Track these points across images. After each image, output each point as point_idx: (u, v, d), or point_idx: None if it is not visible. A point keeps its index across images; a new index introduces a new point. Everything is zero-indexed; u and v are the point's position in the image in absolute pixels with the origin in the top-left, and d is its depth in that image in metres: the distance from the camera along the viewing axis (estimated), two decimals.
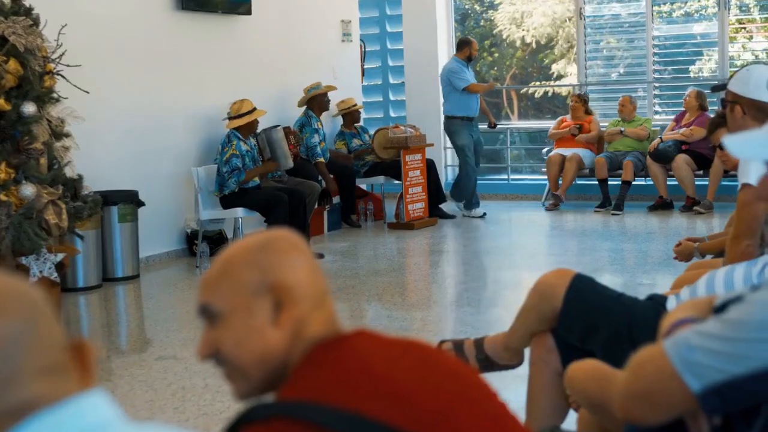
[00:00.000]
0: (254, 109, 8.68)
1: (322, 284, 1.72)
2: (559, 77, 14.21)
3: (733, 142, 1.78)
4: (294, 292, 1.65)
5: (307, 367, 1.62)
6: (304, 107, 10.13)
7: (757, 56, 11.77)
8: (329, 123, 10.88)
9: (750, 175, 3.56)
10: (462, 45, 10.83)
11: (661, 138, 10.73)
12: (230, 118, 8.69)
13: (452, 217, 10.79)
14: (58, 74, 6.54)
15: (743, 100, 3.80)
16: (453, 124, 10.80)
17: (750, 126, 3.58)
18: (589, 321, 3.12)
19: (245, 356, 1.65)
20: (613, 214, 10.70)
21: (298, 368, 1.63)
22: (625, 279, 7.35)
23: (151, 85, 8.63)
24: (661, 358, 1.75)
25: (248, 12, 9.62)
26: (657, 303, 3.13)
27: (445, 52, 13.00)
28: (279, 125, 9.15)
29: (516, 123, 14.17)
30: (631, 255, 8.50)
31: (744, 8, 12.12)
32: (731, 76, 3.94)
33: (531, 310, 3.28)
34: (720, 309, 1.91)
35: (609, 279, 7.48)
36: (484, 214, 10.79)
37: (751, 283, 2.93)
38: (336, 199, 10.28)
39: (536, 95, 14.39)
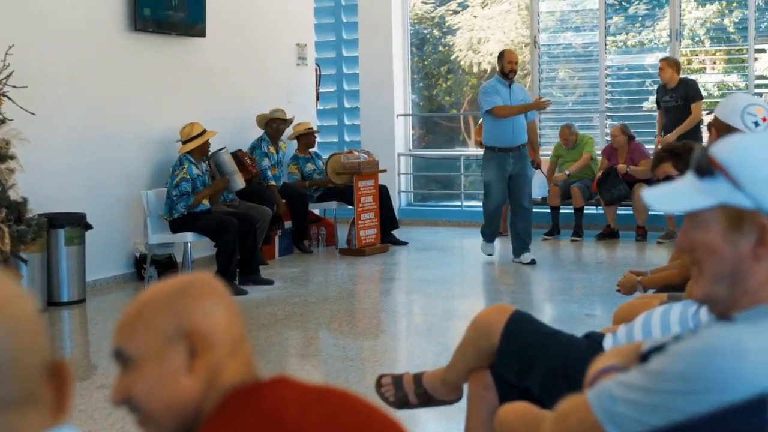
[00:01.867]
0: (204, 131, 8.63)
1: (240, 330, 1.68)
2: None
3: (651, 195, 1.78)
4: (209, 339, 1.62)
5: (220, 416, 1.59)
6: (263, 131, 10.12)
7: (708, 91, 11.90)
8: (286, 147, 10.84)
9: None
10: (498, 58, 9.44)
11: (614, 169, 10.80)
12: (182, 143, 8.63)
13: (404, 243, 10.76)
14: (4, 95, 6.47)
15: (719, 124, 3.87)
16: (484, 157, 9.39)
17: None
18: (526, 358, 3.11)
19: (157, 403, 1.61)
20: (572, 240, 10.77)
21: (212, 416, 1.60)
22: (571, 310, 7.36)
23: (102, 107, 8.55)
24: (584, 408, 1.75)
25: (202, 34, 9.57)
26: (594, 341, 3.14)
27: (400, 77, 13.04)
28: (224, 147, 9.11)
29: (471, 150, 14.21)
30: (579, 285, 8.53)
31: (696, 39, 12.26)
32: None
33: (469, 345, 3.27)
34: (645, 357, 1.91)
35: (554, 309, 7.50)
36: (533, 260, 9.19)
37: (686, 325, 2.94)
38: (288, 224, 10.23)
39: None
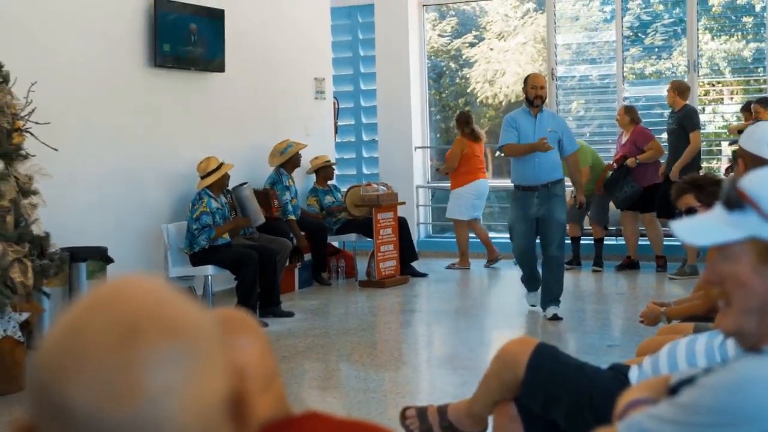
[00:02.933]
0: (221, 164, 8.69)
1: (272, 365, 1.70)
2: None
3: (681, 228, 1.79)
4: (242, 375, 1.63)
5: None
6: (277, 166, 10.15)
7: (727, 120, 11.90)
8: (302, 179, 10.89)
9: None
10: (523, 84, 8.37)
11: (613, 164, 10.76)
12: (201, 178, 8.69)
13: (424, 275, 10.77)
14: (27, 131, 6.52)
15: (746, 155, 3.87)
16: (511, 196, 8.51)
17: None
18: (551, 390, 3.11)
19: None
20: (594, 271, 10.74)
21: None
22: (593, 341, 7.34)
23: (122, 142, 8.62)
24: (611, 429, 1.77)
25: (221, 69, 9.65)
26: (619, 373, 3.14)
27: (418, 109, 13.10)
28: (246, 182, 9.16)
29: (489, 181, 14.20)
30: (600, 316, 8.50)
31: (715, 69, 12.27)
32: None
33: (493, 377, 3.27)
34: (674, 390, 1.92)
35: (576, 341, 7.48)
36: (555, 316, 8.12)
37: (712, 356, 2.94)
38: (307, 257, 10.26)
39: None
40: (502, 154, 8.33)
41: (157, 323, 0.99)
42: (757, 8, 11.99)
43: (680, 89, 10.43)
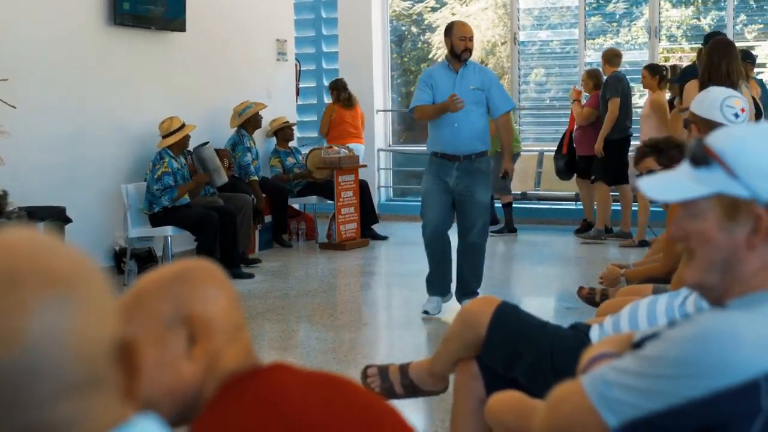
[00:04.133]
0: (183, 125, 8.62)
1: (239, 316, 1.70)
2: None
3: (647, 185, 1.80)
4: (209, 325, 1.63)
5: (220, 401, 1.60)
6: (237, 126, 10.08)
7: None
8: (263, 141, 10.83)
9: None
10: (444, 34, 7.04)
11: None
12: (162, 137, 8.62)
13: (384, 238, 10.78)
14: None
15: (698, 120, 3.93)
16: (426, 164, 7.08)
17: None
18: (512, 349, 3.14)
19: (156, 389, 1.62)
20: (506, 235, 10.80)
21: (211, 402, 1.61)
22: (554, 304, 7.41)
23: (81, 101, 8.52)
24: (579, 394, 1.77)
25: (182, 29, 9.54)
26: (580, 332, 3.17)
27: (380, 73, 13.05)
28: (208, 142, 9.09)
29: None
30: (558, 279, 8.57)
31: (672, 38, 12.34)
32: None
33: (455, 337, 3.29)
34: (638, 345, 1.94)
35: (538, 303, 7.54)
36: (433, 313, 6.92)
37: (672, 316, 2.97)
38: (268, 218, 10.23)
39: None
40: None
41: (36, 271, 1.00)
42: None
43: (608, 57, 10.41)
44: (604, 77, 10.41)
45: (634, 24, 12.53)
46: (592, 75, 10.84)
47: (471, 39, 6.82)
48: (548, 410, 1.85)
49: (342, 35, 13.01)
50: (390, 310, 7.86)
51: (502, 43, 13.13)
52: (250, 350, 1.70)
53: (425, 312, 6.93)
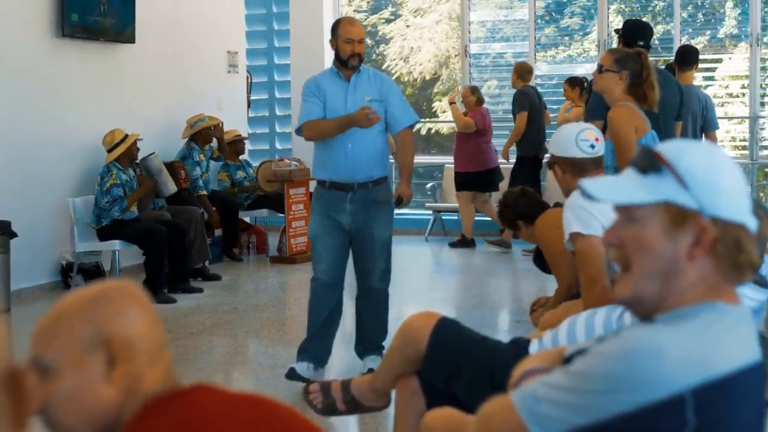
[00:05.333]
0: (126, 136, 8.53)
1: (160, 337, 1.67)
2: (441, 114, 14.33)
3: (594, 186, 1.80)
4: (129, 347, 1.60)
5: (140, 424, 1.57)
6: (187, 139, 10.01)
7: None
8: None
9: (573, 225, 3.75)
10: (331, 33, 5.71)
11: None
12: (107, 151, 8.53)
13: None
14: None
15: (560, 160, 4.08)
16: (313, 196, 5.82)
17: (572, 183, 3.80)
18: (452, 364, 3.13)
19: (75, 413, 1.59)
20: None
21: (130, 425, 1.58)
22: (506, 317, 7.42)
23: (27, 114, 8.41)
24: (508, 409, 1.77)
25: (131, 40, 9.47)
26: (519, 347, 3.16)
27: None
28: (154, 152, 9.02)
29: None
30: (510, 292, 8.60)
31: None
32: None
33: (396, 352, 3.27)
34: (568, 360, 1.94)
35: (488, 316, 7.54)
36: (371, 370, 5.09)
37: (611, 328, 2.98)
38: (218, 232, 10.16)
39: (421, 132, 14.49)
40: (302, 136, 5.58)
41: None
42: None
43: (519, 71, 10.56)
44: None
45: (587, 38, 12.63)
46: (474, 91, 11.03)
47: (361, 42, 5.57)
48: (478, 425, 1.86)
49: (294, 47, 12.98)
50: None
51: (456, 56, 13.17)
52: (172, 372, 1.67)
53: (291, 372, 5.52)
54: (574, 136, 4.03)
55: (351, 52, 5.50)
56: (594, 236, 3.66)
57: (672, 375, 1.63)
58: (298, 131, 5.67)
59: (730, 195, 1.73)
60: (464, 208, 10.90)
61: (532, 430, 1.72)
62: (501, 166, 10.82)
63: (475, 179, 10.72)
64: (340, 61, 5.55)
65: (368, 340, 5.76)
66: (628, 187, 1.77)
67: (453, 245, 10.95)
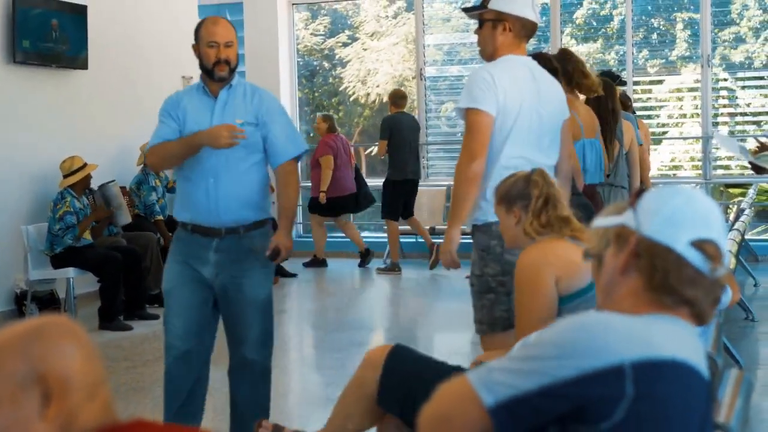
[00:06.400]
0: (85, 164, 8.47)
1: (97, 372, 1.63)
2: None
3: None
4: (64, 383, 1.56)
5: None
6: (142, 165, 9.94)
7: None
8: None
9: (468, 99, 3.99)
10: (194, 35, 4.55)
11: None
12: (63, 176, 8.46)
13: (293, 275, 10.71)
14: None
15: (510, 17, 4.07)
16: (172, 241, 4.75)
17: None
18: (407, 391, 3.11)
19: None
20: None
21: None
22: (467, 339, 7.41)
23: None
24: (461, 381, 1.85)
25: (85, 66, 9.41)
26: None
27: (288, 108, 13.01)
28: (113, 180, 8.95)
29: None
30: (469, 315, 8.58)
31: None
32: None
33: (353, 387, 3.26)
34: None
35: (448, 339, 7.53)
36: None
37: None
38: None
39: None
40: (145, 164, 4.50)
41: None
42: (616, 20, 12.34)
43: (392, 98, 11.06)
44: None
45: None
46: (326, 119, 11.41)
47: (229, 45, 4.40)
48: (432, 400, 1.91)
49: (249, 71, 12.96)
50: (300, 349, 7.78)
51: (413, 78, 13.21)
52: (110, 407, 1.64)
53: None
54: (529, 0, 4.08)
55: (216, 59, 4.35)
56: (485, 112, 3.89)
57: (615, 345, 1.74)
58: (146, 159, 4.59)
59: (667, 220, 1.87)
60: (316, 230, 11.44)
61: (481, 395, 1.79)
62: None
63: (332, 204, 11.15)
64: (205, 72, 4.41)
65: (243, 420, 4.50)
66: (612, 217, 1.97)
67: (307, 265, 11.39)
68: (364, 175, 12.14)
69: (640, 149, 7.31)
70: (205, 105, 4.40)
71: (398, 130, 10.76)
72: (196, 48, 4.45)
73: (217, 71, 4.34)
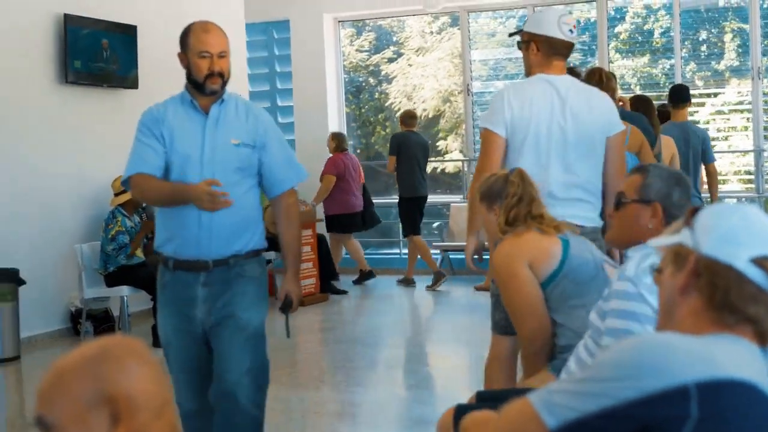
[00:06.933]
0: None
1: (164, 392, 1.66)
2: (446, 152, 14.31)
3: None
4: (132, 404, 1.59)
5: None
6: None
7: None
8: None
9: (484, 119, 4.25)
10: (180, 42, 4.07)
11: None
12: (115, 195, 8.56)
13: (344, 292, 10.73)
14: None
15: (537, 37, 4.27)
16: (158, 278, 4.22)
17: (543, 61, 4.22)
18: None
19: None
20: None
21: None
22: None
23: (34, 161, 8.45)
24: (524, 402, 1.87)
25: (135, 86, 9.52)
26: None
27: (335, 125, 13.07)
28: None
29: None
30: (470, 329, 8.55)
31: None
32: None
33: None
34: None
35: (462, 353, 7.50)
36: None
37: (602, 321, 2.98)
38: None
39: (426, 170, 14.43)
40: (129, 194, 3.88)
41: None
42: (657, 33, 12.26)
43: (402, 118, 11.36)
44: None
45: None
46: (335, 137, 11.50)
47: (222, 56, 3.92)
48: (497, 419, 1.95)
49: (296, 89, 13.05)
50: (350, 367, 7.78)
51: (459, 93, 13.22)
52: (175, 427, 1.66)
53: None
54: (557, 17, 4.26)
55: (209, 71, 3.87)
56: (493, 132, 4.17)
57: (678, 365, 1.73)
58: (125, 183, 4.01)
59: (725, 238, 1.86)
60: (340, 247, 11.54)
61: (544, 417, 1.80)
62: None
63: (340, 221, 11.26)
64: (194, 85, 3.92)
65: None
66: (669, 236, 1.98)
67: (357, 281, 11.43)
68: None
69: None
70: (194, 122, 3.91)
71: (406, 147, 11.00)
72: (183, 57, 3.97)
73: (209, 84, 3.88)
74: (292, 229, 4.10)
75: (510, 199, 3.68)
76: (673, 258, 1.92)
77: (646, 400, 1.71)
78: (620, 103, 6.35)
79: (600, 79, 5.93)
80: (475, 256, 4.32)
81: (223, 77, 3.89)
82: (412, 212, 11.06)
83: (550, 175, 4.07)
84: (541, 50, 4.26)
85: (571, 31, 4.27)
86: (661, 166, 3.31)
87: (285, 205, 4.07)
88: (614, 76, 6.16)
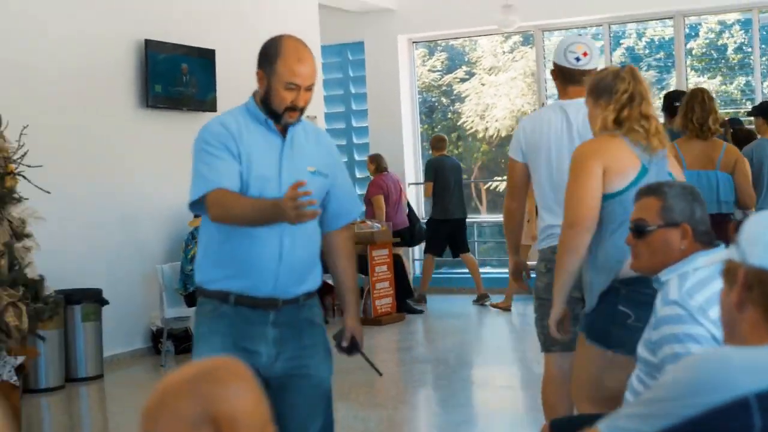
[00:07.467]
0: None
1: (265, 412, 1.68)
2: None
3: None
4: (235, 424, 1.62)
5: None
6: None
7: None
8: None
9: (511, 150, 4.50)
10: (260, 65, 3.58)
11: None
12: (195, 216, 8.68)
13: (420, 312, 10.74)
14: (20, 174, 6.51)
15: (555, 67, 4.44)
16: (197, 313, 3.67)
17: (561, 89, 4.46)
18: None
19: None
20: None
21: None
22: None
23: (115, 183, 8.62)
24: (593, 430, 1.91)
25: (213, 109, 9.65)
26: None
27: (410, 146, 13.12)
28: None
29: (483, 216, 14.19)
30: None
31: None
32: None
33: None
34: None
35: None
36: None
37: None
38: None
39: (498, 189, 14.44)
40: (201, 212, 3.51)
41: None
42: (730, 49, 12.08)
43: (433, 143, 11.66)
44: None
45: (665, 90, 12.53)
46: (373, 159, 11.64)
47: (309, 89, 3.46)
48: None
49: (371, 110, 13.12)
50: (428, 386, 7.79)
51: (532, 111, 13.18)
52: None
53: None
54: (563, 47, 4.38)
55: (292, 104, 3.41)
56: (513, 159, 4.45)
57: (736, 379, 1.72)
58: (196, 203, 3.49)
59: None
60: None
61: None
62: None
63: None
64: (270, 111, 3.45)
65: None
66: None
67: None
68: (483, 210, 12.28)
69: None
70: (272, 144, 3.45)
71: (442, 170, 11.29)
72: (263, 78, 3.47)
73: (287, 117, 3.42)
74: (353, 266, 3.75)
75: (620, 96, 3.63)
76: (724, 276, 1.91)
77: (707, 416, 1.72)
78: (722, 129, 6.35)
79: (703, 99, 5.95)
80: (523, 273, 4.70)
81: (301, 113, 3.45)
82: (438, 234, 11.36)
83: (561, 192, 4.10)
84: (558, 78, 4.46)
85: (577, 59, 4.35)
86: (671, 183, 3.21)
87: (344, 239, 3.70)
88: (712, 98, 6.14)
